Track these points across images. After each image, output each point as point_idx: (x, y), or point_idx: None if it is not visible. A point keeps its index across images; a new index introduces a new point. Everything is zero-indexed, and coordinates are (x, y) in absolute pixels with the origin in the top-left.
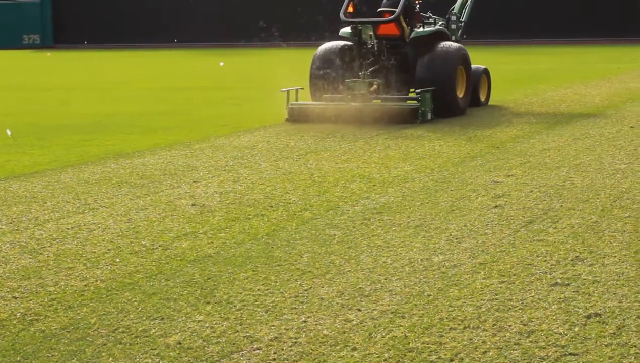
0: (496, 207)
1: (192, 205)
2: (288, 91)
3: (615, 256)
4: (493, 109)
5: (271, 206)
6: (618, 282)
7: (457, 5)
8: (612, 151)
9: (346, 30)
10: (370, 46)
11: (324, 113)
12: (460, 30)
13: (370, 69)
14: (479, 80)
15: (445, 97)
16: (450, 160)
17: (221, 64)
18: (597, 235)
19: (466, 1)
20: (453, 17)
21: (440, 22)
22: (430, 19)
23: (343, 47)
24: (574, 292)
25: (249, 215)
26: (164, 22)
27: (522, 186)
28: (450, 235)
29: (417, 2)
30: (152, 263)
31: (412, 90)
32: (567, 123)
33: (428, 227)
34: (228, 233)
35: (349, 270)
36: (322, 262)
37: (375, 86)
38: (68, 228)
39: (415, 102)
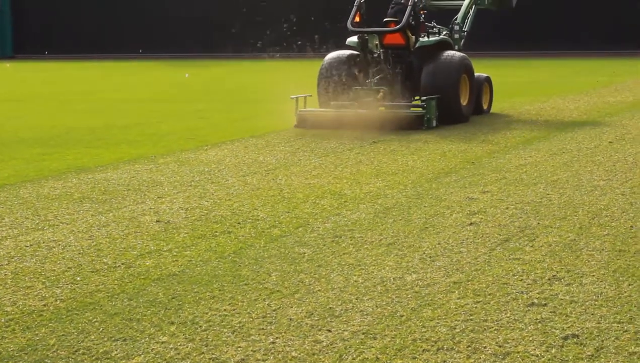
0: (471, 224)
1: (157, 221)
2: (297, 98)
3: (593, 275)
4: (496, 117)
5: (238, 223)
6: (596, 302)
7: (460, 15)
8: (590, 167)
9: (353, 39)
10: (376, 55)
11: (332, 119)
12: (462, 40)
13: (376, 78)
14: (481, 88)
15: (450, 104)
16: (423, 176)
17: (187, 75)
18: (575, 253)
19: (468, 11)
20: (456, 27)
21: (444, 32)
22: (435, 29)
23: (350, 56)
24: (551, 312)
25: (216, 232)
26: (128, 32)
27: (498, 203)
28: (424, 253)
29: (422, 12)
30: (115, 282)
31: (416, 98)
32: (544, 138)
33: (401, 245)
34: (194, 251)
35: (318, 290)
36: (291, 281)
37: (381, 94)
38: (27, 246)
39: (420, 109)
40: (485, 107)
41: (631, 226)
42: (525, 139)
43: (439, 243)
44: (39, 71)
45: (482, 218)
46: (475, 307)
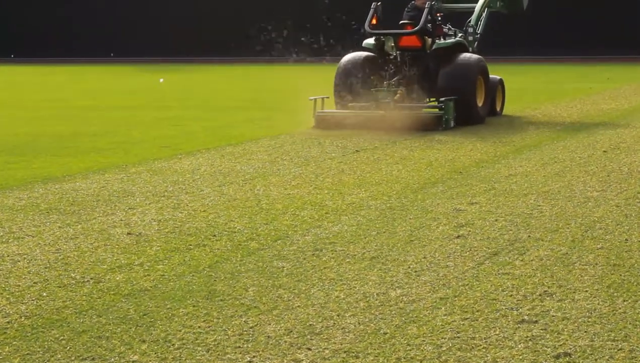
0: (458, 237)
1: (128, 234)
2: (315, 99)
3: (586, 291)
4: (484, 125)
5: (214, 235)
6: (589, 319)
7: (473, 18)
8: (583, 177)
9: (369, 41)
10: (392, 57)
11: (350, 120)
12: (476, 42)
13: (394, 79)
14: (494, 90)
15: (466, 106)
16: (409, 186)
17: (161, 80)
18: (567, 268)
19: (481, 14)
20: (470, 30)
21: (460, 35)
22: (450, 31)
23: (366, 58)
24: (542, 329)
25: (190, 245)
26: (99, 35)
27: (487, 215)
28: (409, 267)
29: (438, 15)
30: (83, 298)
31: (431, 99)
32: (535, 147)
33: (385, 258)
34: (167, 265)
35: (298, 306)
36: (269, 297)
37: (399, 95)
38: None
39: (437, 110)
40: (498, 109)
41: (626, 239)
42: (516, 147)
43: (424, 257)
44: (3, 75)
45: (470, 230)
46: (463, 324)
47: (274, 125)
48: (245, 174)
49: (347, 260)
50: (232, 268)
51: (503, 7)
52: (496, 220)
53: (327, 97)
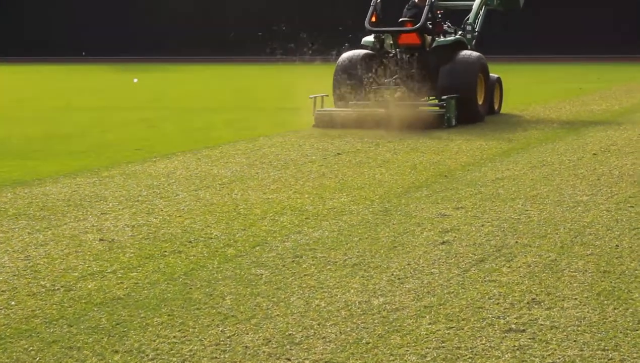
0: (444, 243)
1: (100, 240)
2: (315, 98)
3: (575, 298)
4: (470, 126)
5: (190, 242)
6: (579, 328)
7: (471, 16)
8: (572, 181)
9: (368, 39)
10: (392, 55)
11: (350, 118)
12: (474, 40)
13: (394, 77)
14: (493, 88)
15: (467, 104)
16: (392, 190)
17: (135, 80)
18: (556, 275)
19: (479, 12)
20: (468, 27)
21: (460, 32)
22: (450, 29)
23: (365, 56)
24: (529, 338)
25: (165, 251)
26: (70, 33)
27: (473, 220)
28: (392, 274)
29: (438, 12)
30: (53, 307)
31: (430, 98)
32: (523, 149)
33: (367, 265)
34: (140, 272)
35: (277, 315)
36: (247, 305)
37: (399, 93)
38: None
39: (438, 108)
40: (496, 107)
41: (617, 245)
42: (503, 150)
43: (408, 264)
44: None
45: (455, 236)
46: (448, 333)
47: (252, 126)
48: (222, 177)
49: (328, 267)
50: (208, 275)
51: (500, 4)
52: (482, 225)
53: (327, 95)
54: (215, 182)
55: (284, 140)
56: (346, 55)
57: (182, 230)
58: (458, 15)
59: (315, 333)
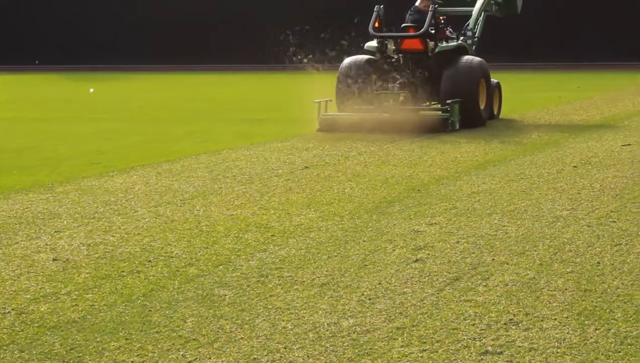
0: (417, 261)
1: (54, 260)
2: (320, 102)
3: (555, 319)
4: (444, 138)
5: (149, 261)
6: (559, 350)
7: (471, 21)
8: (551, 195)
9: (371, 44)
10: (394, 60)
11: (354, 123)
12: (474, 45)
13: (398, 82)
14: (492, 93)
15: (470, 108)
16: (362, 206)
17: (91, 90)
18: (534, 294)
19: (479, 17)
20: (469, 33)
21: (462, 38)
22: (452, 35)
23: (367, 61)
24: (507, 361)
25: (123, 271)
26: (21, 40)
27: (447, 236)
28: (363, 294)
29: (441, 18)
30: (4, 331)
31: (433, 102)
32: (500, 162)
33: (336, 285)
34: (97, 293)
35: (241, 338)
36: (209, 328)
37: (402, 98)
38: None
39: (440, 112)
40: (495, 112)
41: (598, 262)
42: (479, 163)
43: (379, 283)
44: None
45: (429, 254)
46: (421, 356)
47: (216, 138)
48: (183, 193)
49: (295, 287)
50: (168, 297)
51: (498, 10)
52: (457, 242)
53: (330, 100)
54: (176, 197)
55: (249, 152)
56: (348, 60)
57: (141, 249)
58: (458, 21)
59: (281, 357)
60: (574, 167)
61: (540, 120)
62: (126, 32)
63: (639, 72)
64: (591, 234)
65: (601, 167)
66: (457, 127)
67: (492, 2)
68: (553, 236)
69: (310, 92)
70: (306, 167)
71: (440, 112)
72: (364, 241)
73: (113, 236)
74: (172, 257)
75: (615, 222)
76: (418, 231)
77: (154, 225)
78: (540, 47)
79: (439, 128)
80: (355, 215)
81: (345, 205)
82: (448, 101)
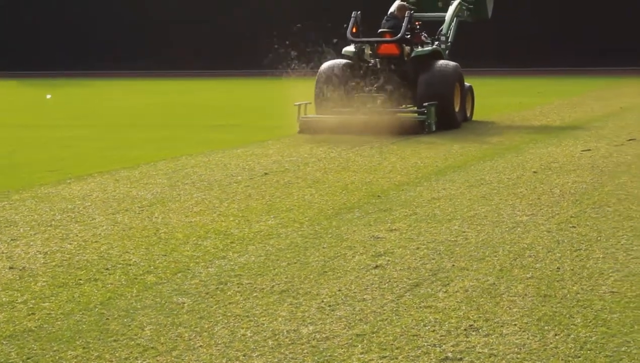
0: (377, 267)
1: (10, 268)
2: (299, 105)
3: (515, 324)
4: (404, 144)
5: (107, 269)
6: (519, 355)
7: (444, 27)
8: (511, 201)
9: (348, 49)
10: (371, 64)
11: (334, 125)
12: (447, 50)
13: (375, 86)
14: (466, 97)
15: (445, 111)
16: (322, 212)
17: (48, 96)
18: (494, 300)
19: (451, 23)
20: (442, 38)
21: (436, 43)
22: (427, 40)
23: (345, 65)
24: None
25: (80, 279)
26: None
27: (407, 242)
28: (322, 301)
29: (417, 23)
30: None
31: (409, 105)
32: (460, 168)
33: (296, 292)
34: (53, 302)
35: (200, 346)
36: (167, 336)
37: (380, 100)
38: None
39: (417, 115)
40: (468, 114)
41: (558, 267)
42: (439, 168)
43: (339, 290)
44: None
45: (389, 260)
46: None
47: (175, 145)
48: (142, 200)
49: (255, 294)
50: (126, 305)
51: (469, 16)
52: (417, 248)
53: (310, 103)
54: (134, 204)
55: (208, 159)
56: (327, 64)
57: (99, 257)
58: (432, 27)
59: None
60: (534, 172)
61: (500, 125)
62: (94, 36)
63: (599, 78)
64: (551, 240)
65: (561, 172)
66: (434, 129)
67: (464, 7)
68: (513, 242)
69: (274, 99)
70: (266, 174)
71: (417, 115)
72: (323, 247)
73: (70, 244)
74: (130, 264)
75: (575, 227)
76: (378, 237)
77: (111, 233)
78: (499, 53)
79: (416, 130)
80: (315, 222)
81: (305, 212)
82: (425, 104)
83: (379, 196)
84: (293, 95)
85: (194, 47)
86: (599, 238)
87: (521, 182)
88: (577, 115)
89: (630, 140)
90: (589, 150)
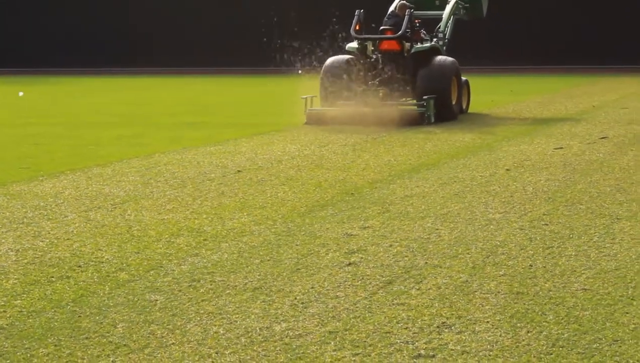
0: (350, 264)
1: None
2: (306, 98)
3: (487, 322)
4: (376, 142)
5: (79, 266)
6: (491, 353)
7: (442, 24)
8: (484, 198)
9: (352, 45)
10: (373, 59)
11: (338, 117)
12: (445, 46)
13: (377, 80)
14: (462, 90)
15: (443, 104)
16: (295, 210)
17: (20, 94)
18: (467, 297)
19: (448, 21)
20: (440, 35)
21: (434, 39)
22: (426, 37)
23: (348, 60)
24: None
25: (52, 277)
26: None
27: (380, 240)
28: (295, 298)
29: (417, 21)
30: None
31: (408, 98)
32: (433, 165)
33: (269, 289)
34: (25, 299)
35: (172, 343)
36: (140, 334)
37: (381, 94)
38: None
39: (417, 107)
40: (464, 107)
41: (530, 265)
42: (412, 166)
43: (312, 287)
44: None
45: (362, 257)
46: (354, 360)
47: (147, 143)
48: (114, 197)
49: (227, 291)
50: (99, 302)
51: (465, 14)
52: (390, 245)
53: (315, 96)
54: (107, 202)
55: (181, 156)
56: (332, 59)
57: (71, 254)
58: (431, 24)
59: (213, 362)
60: (507, 170)
61: (473, 123)
62: (69, 36)
63: (571, 76)
64: (523, 237)
65: (534, 170)
66: (432, 120)
67: (460, 6)
68: (486, 239)
69: (254, 95)
70: (239, 171)
71: (417, 107)
72: (296, 245)
73: (42, 241)
74: (102, 262)
75: (547, 225)
76: (351, 235)
77: (84, 230)
78: (472, 50)
79: (416, 121)
80: (288, 219)
81: (278, 209)
82: (424, 97)
83: (352, 194)
84: (274, 92)
85: (177, 44)
86: (571, 235)
87: (494, 179)
88: (550, 113)
89: (602, 138)
90: (562, 148)
